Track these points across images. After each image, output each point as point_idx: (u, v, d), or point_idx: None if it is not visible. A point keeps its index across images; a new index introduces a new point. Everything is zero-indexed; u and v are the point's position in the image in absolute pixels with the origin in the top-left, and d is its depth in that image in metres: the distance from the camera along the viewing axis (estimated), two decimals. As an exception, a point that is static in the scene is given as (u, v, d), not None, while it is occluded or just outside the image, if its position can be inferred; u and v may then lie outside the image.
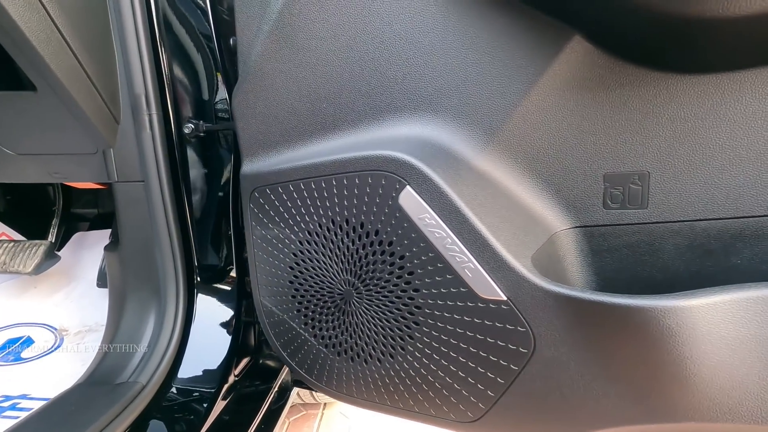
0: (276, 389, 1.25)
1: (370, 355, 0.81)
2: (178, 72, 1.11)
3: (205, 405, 1.01)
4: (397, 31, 0.72)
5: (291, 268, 0.85)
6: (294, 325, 0.88)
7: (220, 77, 1.15)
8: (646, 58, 0.61)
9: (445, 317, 0.71)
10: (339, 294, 0.81)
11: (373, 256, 0.75)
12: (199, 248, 1.15)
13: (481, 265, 0.66)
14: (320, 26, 0.77)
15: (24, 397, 1.18)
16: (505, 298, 0.65)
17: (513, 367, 0.67)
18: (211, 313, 1.13)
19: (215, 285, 1.16)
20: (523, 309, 0.64)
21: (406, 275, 0.73)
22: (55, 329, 1.52)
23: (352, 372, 0.83)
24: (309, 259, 0.82)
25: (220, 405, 1.06)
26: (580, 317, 0.60)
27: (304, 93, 0.81)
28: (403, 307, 0.75)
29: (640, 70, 0.63)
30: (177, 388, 1.04)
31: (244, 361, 1.16)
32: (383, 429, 1.76)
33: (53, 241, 1.58)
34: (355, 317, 0.80)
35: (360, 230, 0.75)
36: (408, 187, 0.69)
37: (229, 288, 1.16)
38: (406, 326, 0.75)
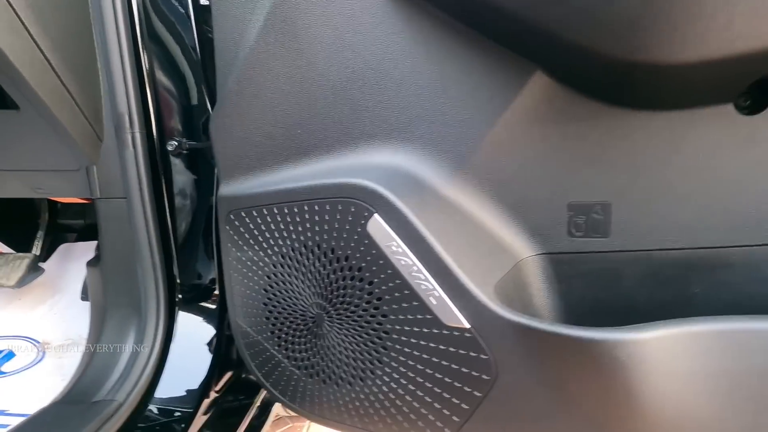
0: (258, 404, 1.26)
1: (341, 378, 0.82)
2: (162, 90, 1.12)
3: (182, 425, 1.02)
4: (368, 62, 0.74)
5: (265, 290, 0.86)
6: (268, 346, 0.89)
7: (205, 94, 1.16)
8: (603, 95, 0.63)
9: (412, 343, 0.72)
10: (311, 317, 0.82)
11: (343, 281, 0.76)
12: (181, 266, 1.16)
13: (445, 293, 0.67)
14: (295, 55, 0.79)
15: (2, 413, 1.18)
16: (468, 326, 0.67)
17: (477, 393, 0.69)
18: (193, 331, 1.13)
19: (197, 303, 1.16)
20: (485, 337, 0.65)
21: (375, 300, 0.74)
22: (38, 342, 1.52)
23: (324, 394, 0.85)
24: (282, 281, 0.84)
25: (200, 420, 1.06)
26: (538, 346, 0.62)
27: (279, 119, 0.82)
28: (373, 331, 0.76)
29: (598, 105, 0.65)
30: (155, 407, 1.04)
31: (226, 376, 1.17)
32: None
33: (37, 254, 1.59)
34: (326, 340, 0.81)
35: (331, 255, 0.77)
36: (376, 215, 0.71)
37: (211, 306, 1.17)
38: (375, 350, 0.77)
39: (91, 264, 1.25)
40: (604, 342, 0.54)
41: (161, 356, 1.08)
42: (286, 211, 0.80)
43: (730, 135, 0.61)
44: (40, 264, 1.59)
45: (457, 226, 0.72)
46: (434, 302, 0.68)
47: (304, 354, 0.85)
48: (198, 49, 1.15)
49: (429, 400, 0.73)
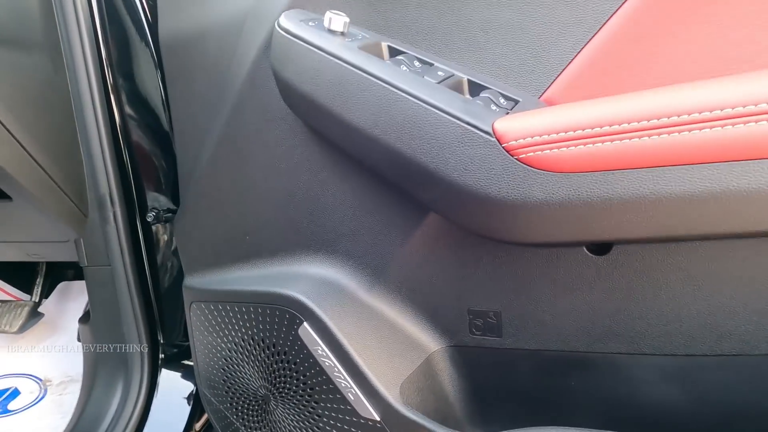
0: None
1: (288, 447, 0.97)
2: (140, 168, 1.25)
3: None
4: (300, 187, 0.88)
5: (223, 369, 1.01)
6: (228, 414, 1.04)
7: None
8: (486, 236, 0.76)
9: (338, 426, 0.87)
10: (261, 396, 0.97)
11: (283, 371, 0.91)
12: (164, 327, 1.30)
13: (360, 391, 0.82)
14: (241, 175, 0.92)
15: (10, 455, 1.34)
16: (378, 419, 0.81)
17: None
18: (174, 387, 1.28)
19: (179, 361, 1.31)
20: (391, 429, 0.80)
21: (308, 390, 0.89)
22: (40, 380, 1.68)
23: (275, 458, 1.00)
24: (236, 364, 0.98)
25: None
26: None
27: (230, 227, 0.96)
28: (308, 413, 0.91)
29: (485, 239, 0.78)
30: (138, 457, 1.20)
31: (204, 425, 1.31)
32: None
33: (36, 300, 1.74)
34: (274, 416, 0.96)
35: (272, 349, 0.91)
36: (305, 323, 0.85)
37: (191, 363, 1.31)
38: (311, 429, 0.92)
39: (81, 321, 1.40)
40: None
41: (144, 411, 1.23)
42: (236, 309, 0.94)
43: (584, 269, 0.74)
44: (40, 309, 1.75)
45: (373, 330, 0.86)
46: (352, 398, 0.83)
47: (258, 425, 1.00)
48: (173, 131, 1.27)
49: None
